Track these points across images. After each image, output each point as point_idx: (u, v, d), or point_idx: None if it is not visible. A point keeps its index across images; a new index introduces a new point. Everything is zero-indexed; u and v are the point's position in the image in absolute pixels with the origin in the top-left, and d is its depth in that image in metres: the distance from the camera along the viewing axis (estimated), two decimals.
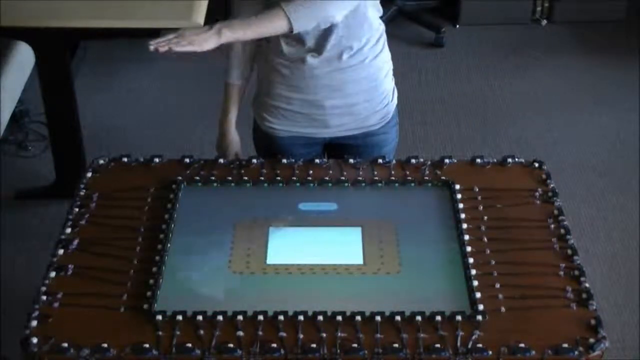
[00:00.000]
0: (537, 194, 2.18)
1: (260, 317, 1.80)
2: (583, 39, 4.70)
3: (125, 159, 2.30)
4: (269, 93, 2.35)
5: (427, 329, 1.78)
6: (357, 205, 2.17)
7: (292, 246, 2.03)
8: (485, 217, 2.09)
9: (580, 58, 4.55)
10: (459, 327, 1.79)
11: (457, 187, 2.18)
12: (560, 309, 1.85)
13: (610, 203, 3.57)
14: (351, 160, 2.29)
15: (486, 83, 4.35)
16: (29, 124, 3.95)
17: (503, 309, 1.84)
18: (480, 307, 1.83)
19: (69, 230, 2.06)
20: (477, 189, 2.19)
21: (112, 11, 3.11)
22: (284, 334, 1.77)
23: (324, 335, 1.77)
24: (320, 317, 1.80)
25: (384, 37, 2.36)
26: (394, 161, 2.30)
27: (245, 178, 2.23)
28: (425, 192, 2.21)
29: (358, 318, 1.80)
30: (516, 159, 2.30)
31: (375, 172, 2.25)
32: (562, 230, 2.06)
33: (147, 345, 1.75)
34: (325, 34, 2.21)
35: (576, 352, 1.75)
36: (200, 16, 3.05)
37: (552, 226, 2.08)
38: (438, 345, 1.74)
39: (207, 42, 2.04)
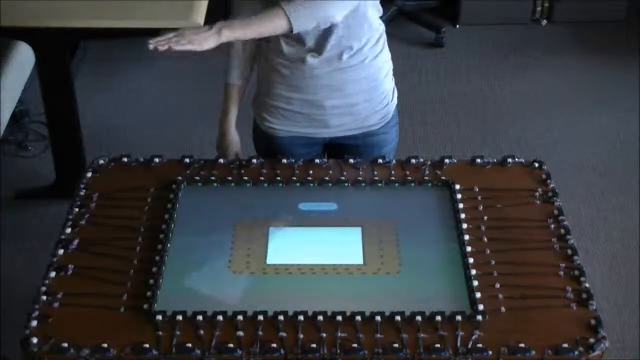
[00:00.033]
0: (537, 194, 2.18)
1: (260, 317, 1.80)
2: (583, 39, 4.70)
3: (125, 159, 2.30)
4: (268, 93, 2.35)
5: (427, 329, 1.78)
6: (357, 205, 2.17)
7: (292, 246, 2.03)
8: (485, 217, 2.09)
9: (580, 58, 4.55)
10: (459, 327, 1.79)
11: (457, 187, 2.18)
12: (560, 309, 1.85)
13: (610, 203, 3.57)
14: (351, 160, 2.29)
15: (486, 83, 4.35)
16: (29, 124, 3.95)
17: (503, 309, 1.84)
18: (480, 307, 1.83)
19: (69, 230, 2.06)
20: (477, 189, 2.19)
21: (112, 11, 3.12)
22: (284, 334, 1.77)
23: (324, 335, 1.77)
24: (320, 317, 1.80)
25: (384, 37, 2.36)
26: (394, 161, 2.30)
27: (245, 178, 2.23)
28: (425, 192, 2.21)
29: (358, 318, 1.80)
30: (516, 159, 2.30)
31: (375, 172, 2.25)
32: (562, 230, 2.06)
33: (147, 345, 1.75)
34: (325, 34, 2.21)
35: (576, 352, 1.75)
36: (200, 16, 3.05)
37: (552, 226, 2.08)
38: (438, 345, 1.74)
39: (207, 41, 2.04)
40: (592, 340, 1.77)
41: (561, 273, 1.94)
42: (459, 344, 1.75)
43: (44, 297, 1.87)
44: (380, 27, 2.33)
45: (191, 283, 1.93)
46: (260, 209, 2.13)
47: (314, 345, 1.74)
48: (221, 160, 2.30)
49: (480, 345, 1.75)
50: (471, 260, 1.96)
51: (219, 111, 2.45)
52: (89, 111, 3.89)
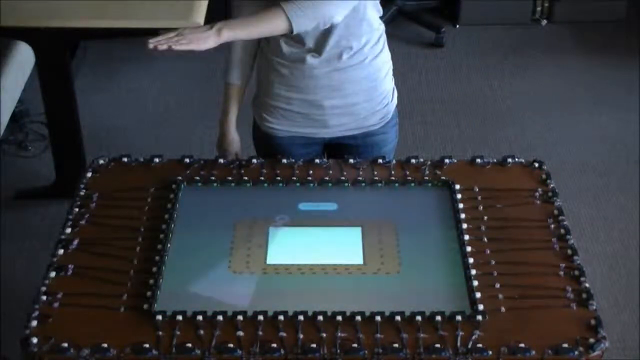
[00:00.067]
0: (537, 194, 2.18)
1: (260, 317, 1.80)
2: (583, 39, 4.70)
3: (125, 159, 2.30)
4: (268, 93, 2.35)
5: (427, 329, 1.78)
6: (357, 205, 2.17)
7: (292, 246, 2.03)
8: (485, 217, 2.09)
9: (580, 58, 4.55)
10: (459, 327, 1.79)
11: (457, 187, 2.18)
12: (560, 309, 1.85)
13: (610, 203, 3.57)
14: (351, 160, 2.29)
15: (486, 83, 4.35)
16: (29, 124, 3.95)
17: (503, 309, 1.84)
18: (480, 307, 1.83)
19: (69, 230, 2.06)
20: (477, 189, 2.19)
21: (112, 11, 3.11)
22: (284, 334, 1.77)
23: (324, 335, 1.77)
24: (320, 317, 1.80)
25: (384, 37, 2.36)
26: (394, 161, 2.30)
27: (245, 178, 2.23)
28: (425, 192, 2.21)
29: (358, 318, 1.80)
30: (516, 159, 2.30)
31: (375, 172, 2.25)
32: (562, 230, 2.06)
33: (147, 345, 1.75)
34: (325, 34, 2.21)
35: (576, 352, 1.75)
36: (200, 16, 3.05)
37: (552, 226, 2.08)
38: (438, 345, 1.74)
39: (207, 41, 2.04)
40: (592, 340, 1.77)
41: (561, 273, 1.94)
42: (459, 344, 1.75)
43: (44, 297, 1.87)
44: (380, 27, 2.33)
45: (191, 283, 1.93)
46: (260, 209, 2.13)
47: (314, 345, 1.74)
48: (221, 160, 2.30)
49: (480, 345, 1.75)
50: (471, 260, 1.96)
51: (219, 111, 2.45)
52: (89, 111, 3.89)
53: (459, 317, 1.81)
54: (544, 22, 4.83)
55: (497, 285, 1.90)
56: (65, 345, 1.75)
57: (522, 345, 1.75)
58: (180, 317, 1.81)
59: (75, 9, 3.12)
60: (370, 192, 2.21)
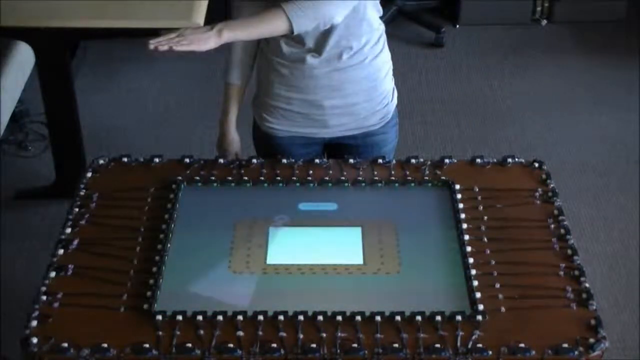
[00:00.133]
0: (537, 194, 2.18)
1: (260, 317, 1.80)
2: (583, 39, 4.70)
3: (125, 159, 2.30)
4: (268, 93, 2.35)
5: (427, 329, 1.78)
6: (357, 205, 2.17)
7: (292, 246, 2.03)
8: (485, 217, 2.09)
9: (580, 58, 4.55)
10: (459, 327, 1.79)
11: (457, 187, 2.18)
12: (560, 309, 1.85)
13: (610, 203, 3.57)
14: (351, 160, 2.29)
15: (486, 83, 4.35)
16: (29, 124, 3.95)
17: (503, 309, 1.84)
18: (480, 307, 1.83)
19: (69, 230, 2.06)
20: (477, 189, 2.19)
21: (112, 11, 3.11)
22: (284, 334, 1.77)
23: (324, 335, 1.77)
24: (320, 317, 1.80)
25: (384, 37, 2.36)
26: (394, 161, 2.30)
27: (245, 178, 2.23)
28: (425, 192, 2.21)
29: (358, 318, 1.80)
30: (516, 159, 2.30)
31: (375, 172, 2.25)
32: (562, 230, 2.06)
33: (147, 345, 1.75)
34: (325, 34, 2.21)
35: (576, 352, 1.75)
36: (200, 16, 3.05)
37: (552, 226, 2.08)
38: (438, 345, 1.74)
39: (208, 42, 2.04)
40: (592, 340, 1.77)
41: (561, 273, 1.94)
42: (459, 344, 1.75)
43: (44, 297, 1.87)
44: (380, 27, 2.33)
45: (191, 283, 1.93)
46: (260, 209, 2.13)
47: (314, 345, 1.74)
48: (221, 160, 2.30)
49: (480, 345, 1.75)
50: (471, 260, 1.96)
51: (219, 111, 2.45)
52: (89, 111, 3.89)
53: (459, 317, 1.81)
54: (544, 22, 4.83)
55: (497, 285, 1.90)
56: (65, 345, 1.75)
57: (522, 345, 1.75)
58: (180, 317, 1.81)
59: (75, 9, 3.12)
60: (370, 192, 2.21)
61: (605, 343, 1.77)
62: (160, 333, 1.78)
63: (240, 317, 1.80)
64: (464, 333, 1.78)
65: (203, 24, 3.01)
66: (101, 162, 2.29)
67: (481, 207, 2.12)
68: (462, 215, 2.09)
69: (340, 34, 2.22)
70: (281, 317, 1.80)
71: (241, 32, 2.12)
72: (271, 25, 2.12)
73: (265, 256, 1.99)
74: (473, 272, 1.92)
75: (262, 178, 2.23)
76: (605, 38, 4.70)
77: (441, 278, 1.94)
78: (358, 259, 1.98)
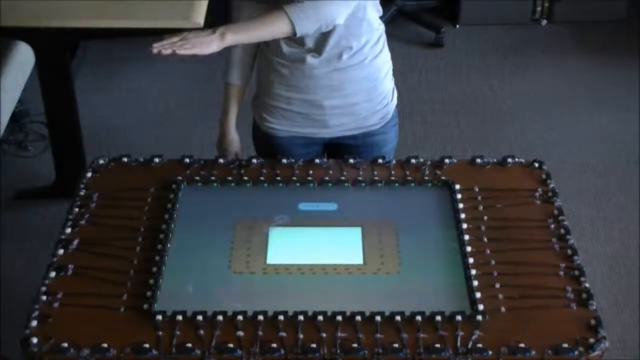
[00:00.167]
0: (537, 194, 2.18)
1: (260, 317, 1.80)
2: (583, 39, 4.70)
3: (125, 159, 2.30)
4: (268, 93, 2.35)
5: (427, 329, 1.78)
6: (357, 205, 2.17)
7: (292, 246, 2.03)
8: (485, 217, 2.09)
9: (580, 58, 4.55)
10: (459, 327, 1.79)
11: (457, 187, 2.18)
12: (560, 309, 1.85)
13: (610, 203, 3.57)
14: (351, 160, 2.29)
15: (486, 83, 4.35)
16: (29, 124, 3.95)
17: (503, 309, 1.84)
18: (480, 307, 1.83)
19: (69, 230, 2.06)
20: (477, 189, 2.19)
21: (112, 11, 3.12)
22: (284, 334, 1.77)
23: (324, 335, 1.77)
24: (320, 317, 1.80)
25: (384, 37, 2.36)
26: (394, 161, 2.30)
27: (245, 178, 2.23)
28: (425, 192, 2.21)
29: (358, 318, 1.80)
30: (516, 159, 2.30)
31: (375, 172, 2.25)
32: (562, 230, 2.06)
33: (147, 345, 1.75)
34: (325, 34, 2.21)
35: (576, 352, 1.75)
36: (200, 16, 3.05)
37: (552, 226, 2.08)
38: (438, 345, 1.74)
39: (210, 45, 2.06)
40: (592, 340, 1.77)
41: (561, 273, 1.94)
42: (459, 344, 1.75)
43: (44, 297, 1.87)
44: (380, 27, 2.33)
45: (191, 283, 1.93)
46: (260, 209, 2.13)
47: (314, 345, 1.74)
48: (221, 160, 2.30)
49: (480, 345, 1.75)
50: (471, 260, 1.96)
51: (219, 111, 2.45)
52: (89, 111, 3.89)
53: (459, 317, 1.81)
54: (544, 22, 4.83)
55: (497, 285, 1.90)
56: (65, 345, 1.75)
57: (522, 345, 1.75)
58: (180, 317, 1.81)
59: (75, 9, 3.12)
60: (370, 192, 2.21)
61: (605, 343, 1.77)
62: (160, 333, 1.78)
63: (240, 317, 1.80)
64: (464, 333, 1.78)
65: (203, 24, 3.02)
66: (101, 162, 2.29)
67: (481, 207, 2.12)
68: (462, 215, 2.09)
69: (340, 34, 2.22)
70: (281, 317, 1.80)
71: (244, 35, 2.13)
72: (273, 28, 2.12)
73: (265, 256, 1.99)
74: (473, 272, 1.92)
75: (262, 178, 2.23)
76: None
77: (441, 278, 1.94)
78: (358, 259, 1.98)
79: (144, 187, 2.19)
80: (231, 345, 1.75)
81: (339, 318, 1.80)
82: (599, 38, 4.70)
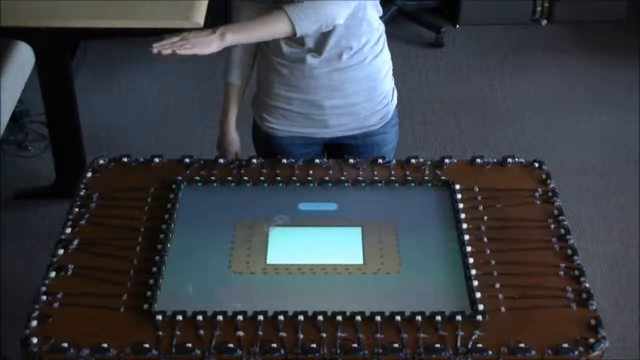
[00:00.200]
0: (537, 194, 2.18)
1: (260, 317, 1.80)
2: (583, 39, 4.70)
3: (125, 159, 2.30)
4: (268, 93, 2.35)
5: (427, 329, 1.78)
6: (357, 205, 2.17)
7: (292, 246, 2.03)
8: (485, 217, 2.09)
9: (580, 58, 4.55)
10: (459, 327, 1.79)
11: (457, 187, 2.18)
12: (560, 309, 1.85)
13: (610, 203, 3.57)
14: (351, 160, 2.29)
15: (486, 83, 4.35)
16: (29, 124, 3.95)
17: (503, 309, 1.84)
18: (480, 307, 1.83)
19: (69, 230, 2.06)
20: (477, 189, 2.19)
21: (112, 11, 3.12)
22: (284, 334, 1.77)
23: (324, 335, 1.77)
24: (320, 317, 1.80)
25: (384, 37, 2.36)
26: (394, 161, 2.30)
27: (245, 178, 2.23)
28: (425, 192, 2.21)
29: (358, 318, 1.80)
30: (516, 159, 2.30)
31: (375, 172, 2.25)
32: (562, 230, 2.06)
33: (147, 345, 1.75)
34: (325, 34, 2.21)
35: (576, 352, 1.75)
36: (200, 16, 3.05)
37: (552, 226, 2.08)
38: (438, 345, 1.74)
39: (210, 45, 2.06)
40: (592, 340, 1.77)
41: (561, 273, 1.94)
42: (459, 344, 1.75)
43: (44, 297, 1.87)
44: (380, 27, 2.33)
45: (191, 283, 1.93)
46: (260, 209, 2.13)
47: (314, 345, 1.74)
48: (221, 160, 2.30)
49: (480, 345, 1.75)
50: (471, 260, 1.96)
51: (219, 111, 2.45)
52: (89, 111, 3.89)
53: (459, 317, 1.81)
54: (544, 22, 4.83)
55: (497, 285, 1.90)
56: (65, 345, 1.75)
57: (522, 345, 1.75)
58: (180, 317, 1.81)
59: (75, 9, 3.12)
60: (370, 192, 2.21)
61: (605, 343, 1.77)
62: (160, 333, 1.78)
63: (240, 317, 1.80)
64: (464, 333, 1.78)
65: (203, 24, 3.02)
66: (101, 162, 2.29)
67: (481, 207, 2.12)
68: (462, 215, 2.09)
69: (340, 34, 2.22)
70: (281, 317, 1.80)
71: (244, 35, 2.13)
72: (274, 28, 2.12)
73: (265, 256, 1.99)
74: (473, 272, 1.92)
75: (262, 178, 2.23)
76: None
77: (441, 278, 1.94)
78: (358, 259, 1.98)
79: (144, 187, 2.19)
80: (231, 345, 1.75)
81: (339, 318, 1.80)
82: (599, 38, 4.70)
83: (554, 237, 2.04)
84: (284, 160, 2.29)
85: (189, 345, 1.75)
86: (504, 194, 2.17)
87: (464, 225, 2.06)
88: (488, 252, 1.99)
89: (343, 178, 2.23)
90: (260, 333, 1.77)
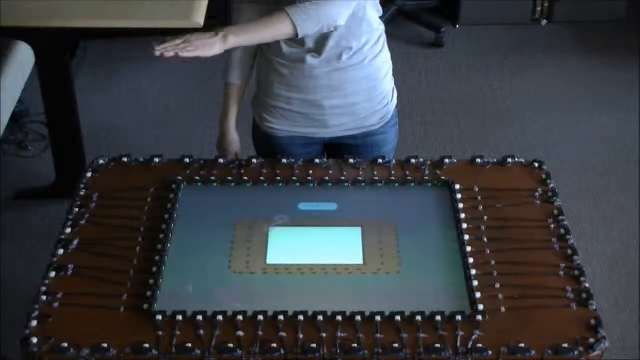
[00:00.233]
0: (537, 194, 2.18)
1: (260, 317, 1.80)
2: (583, 39, 4.70)
3: (125, 159, 2.30)
4: (268, 93, 2.35)
5: (427, 329, 1.78)
6: (357, 205, 2.17)
7: (292, 246, 2.03)
8: (485, 217, 2.09)
9: (580, 58, 4.55)
10: (459, 327, 1.79)
11: (457, 187, 2.18)
12: (560, 309, 1.85)
13: (610, 203, 3.57)
14: (351, 160, 2.29)
15: (486, 83, 4.35)
16: (29, 124, 3.95)
17: (503, 309, 1.84)
18: (480, 307, 1.83)
19: (69, 230, 2.06)
20: (477, 189, 2.19)
21: (112, 11, 3.11)
22: (284, 334, 1.77)
23: (324, 335, 1.77)
24: (320, 317, 1.80)
25: (384, 37, 2.36)
26: (394, 161, 2.30)
27: (245, 178, 2.23)
28: (425, 192, 2.21)
29: (358, 318, 1.80)
30: (516, 159, 2.30)
31: (375, 172, 2.25)
32: (562, 230, 2.06)
33: (147, 345, 1.75)
34: (325, 34, 2.22)
35: (576, 352, 1.75)
36: (200, 16, 3.05)
37: (552, 226, 2.08)
38: (438, 345, 1.74)
39: (213, 47, 2.06)
40: (592, 340, 1.77)
41: (561, 273, 1.94)
42: (459, 344, 1.75)
43: (44, 297, 1.87)
44: (380, 27, 2.33)
45: (191, 283, 1.93)
46: (260, 209, 2.13)
47: (314, 345, 1.74)
48: (221, 160, 2.30)
49: (480, 345, 1.75)
50: (471, 260, 1.96)
51: (219, 111, 2.45)
52: (89, 111, 3.89)
53: (459, 317, 1.81)
54: (544, 22, 4.83)
55: (497, 285, 1.90)
56: (65, 345, 1.75)
57: (522, 345, 1.75)
58: (180, 317, 1.81)
59: (75, 9, 3.12)
60: (370, 192, 2.21)
61: (605, 343, 1.77)
62: (160, 333, 1.78)
63: (240, 317, 1.80)
64: (464, 333, 1.78)
65: (203, 24, 3.02)
66: (101, 162, 2.29)
67: (481, 207, 2.12)
68: (462, 215, 2.09)
69: (340, 34, 2.22)
70: (281, 317, 1.80)
71: (246, 37, 2.13)
72: (276, 30, 2.13)
73: (265, 256, 1.99)
74: (473, 272, 1.92)
75: (262, 178, 2.23)
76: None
77: (441, 278, 1.94)
78: (358, 259, 1.98)
79: (144, 187, 2.19)
80: (231, 345, 1.75)
81: (339, 318, 1.80)
82: (599, 38, 4.70)
83: (554, 237, 2.04)
84: (284, 160, 2.29)
85: (189, 345, 1.75)
86: (504, 194, 2.17)
87: (464, 225, 2.06)
88: (488, 252, 1.99)
89: (343, 178, 2.23)
90: (260, 333, 1.77)
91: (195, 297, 1.88)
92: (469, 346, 1.75)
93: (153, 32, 3.08)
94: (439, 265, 1.98)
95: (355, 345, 1.75)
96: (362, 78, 2.31)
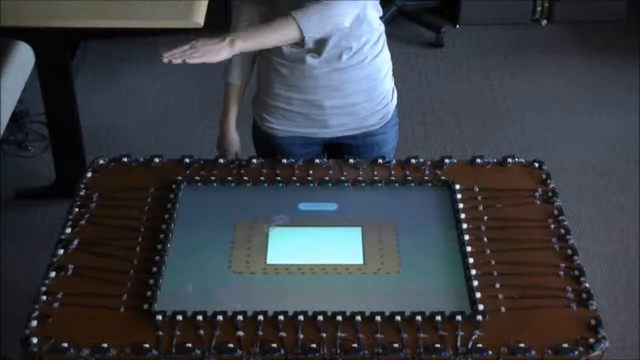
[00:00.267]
0: (537, 194, 2.18)
1: (260, 317, 1.80)
2: (583, 39, 4.70)
3: (125, 159, 2.30)
4: (268, 93, 2.35)
5: (427, 329, 1.78)
6: (357, 205, 2.17)
7: (292, 246, 2.03)
8: (485, 217, 2.09)
9: (580, 58, 4.55)
10: (459, 327, 1.79)
11: (457, 187, 2.18)
12: (560, 309, 1.85)
13: (610, 203, 3.57)
14: (351, 160, 2.29)
15: (486, 83, 4.35)
16: (29, 124, 3.95)
17: (503, 309, 1.84)
18: (480, 307, 1.83)
19: (69, 230, 2.06)
20: (477, 189, 2.19)
21: (112, 11, 3.11)
22: (284, 334, 1.77)
23: (324, 335, 1.77)
24: (320, 317, 1.80)
25: (384, 37, 2.36)
26: (394, 161, 2.30)
27: (245, 178, 2.23)
28: (425, 192, 2.21)
29: (358, 318, 1.80)
30: (516, 159, 2.30)
31: (375, 172, 2.25)
32: (562, 230, 2.06)
33: (147, 345, 1.75)
34: None
35: (576, 352, 1.75)
36: (200, 16, 3.05)
37: (552, 226, 2.08)
38: (438, 345, 1.74)
39: (220, 53, 2.07)
40: (592, 340, 1.77)
41: (561, 273, 1.94)
42: (459, 344, 1.75)
43: (44, 297, 1.87)
44: (380, 27, 2.33)
45: (191, 283, 1.93)
46: (260, 209, 2.13)
47: (314, 345, 1.74)
48: (221, 160, 2.30)
49: (480, 345, 1.75)
50: (471, 260, 1.96)
51: (219, 111, 2.45)
52: (89, 111, 3.89)
53: (459, 317, 1.81)
54: (544, 22, 4.83)
55: (497, 285, 1.90)
56: (65, 345, 1.75)
57: (522, 345, 1.75)
58: (180, 317, 1.81)
59: (75, 9, 3.12)
60: (370, 192, 2.21)
61: (605, 343, 1.77)
62: (160, 333, 1.78)
63: (240, 317, 1.80)
64: (464, 333, 1.78)
65: (203, 24, 3.02)
66: (101, 162, 2.29)
67: (481, 207, 2.12)
68: (462, 215, 2.09)
69: (341, 34, 2.22)
70: (281, 317, 1.80)
71: (252, 41, 2.14)
72: (282, 34, 2.13)
73: (265, 256, 1.99)
74: (473, 272, 1.92)
75: (262, 178, 2.23)
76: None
77: (441, 278, 1.94)
78: (358, 259, 1.98)
79: (144, 187, 2.19)
80: (231, 345, 1.75)
81: (339, 318, 1.80)
82: (599, 38, 4.70)
83: (554, 237, 2.04)
84: (284, 160, 2.29)
85: (189, 345, 1.75)
86: (504, 194, 2.17)
87: (464, 225, 2.06)
88: (488, 252, 1.99)
89: (343, 178, 2.23)
90: (260, 333, 1.77)
91: (195, 297, 1.88)
92: (469, 346, 1.75)
93: (153, 32, 3.09)
94: (439, 265, 1.98)
95: (355, 345, 1.75)
96: (362, 78, 2.31)
